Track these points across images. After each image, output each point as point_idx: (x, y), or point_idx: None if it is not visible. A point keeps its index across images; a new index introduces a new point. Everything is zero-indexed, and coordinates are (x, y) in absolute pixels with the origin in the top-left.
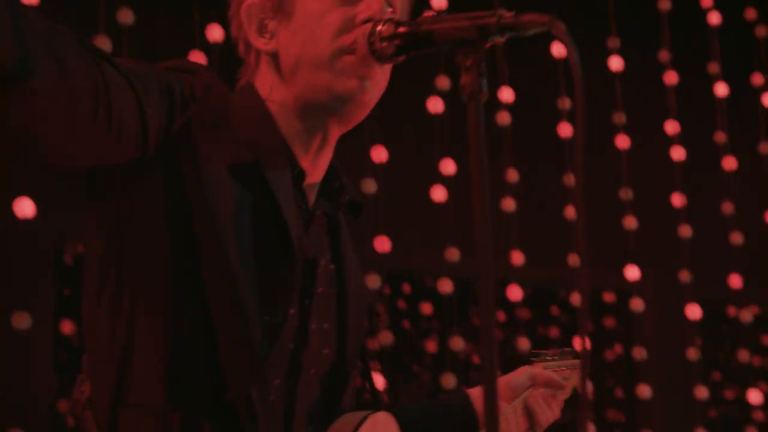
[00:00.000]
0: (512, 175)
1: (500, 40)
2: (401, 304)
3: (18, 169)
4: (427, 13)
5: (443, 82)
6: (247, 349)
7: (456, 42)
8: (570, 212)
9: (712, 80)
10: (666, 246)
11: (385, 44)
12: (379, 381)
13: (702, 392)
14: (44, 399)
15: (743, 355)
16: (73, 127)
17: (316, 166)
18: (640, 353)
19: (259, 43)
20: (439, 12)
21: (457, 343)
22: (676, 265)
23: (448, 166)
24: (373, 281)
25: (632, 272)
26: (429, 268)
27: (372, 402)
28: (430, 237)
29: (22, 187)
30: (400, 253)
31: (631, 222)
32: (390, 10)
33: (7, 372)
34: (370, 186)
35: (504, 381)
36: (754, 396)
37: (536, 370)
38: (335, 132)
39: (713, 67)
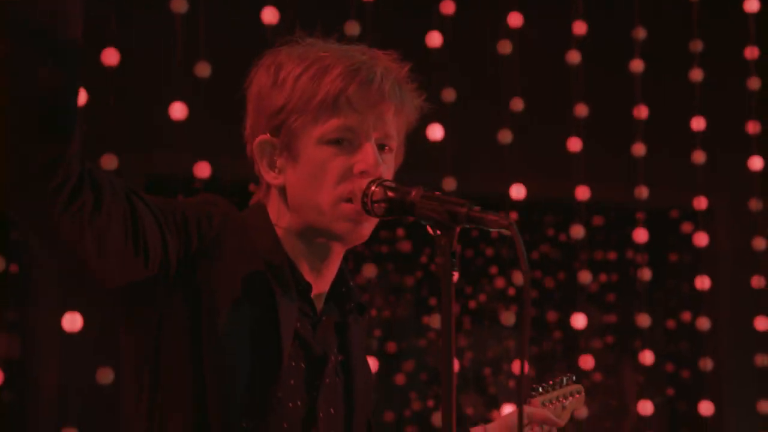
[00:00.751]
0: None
1: (468, 227)
2: None
3: None
4: (416, 190)
5: None
6: None
7: (431, 220)
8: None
9: None
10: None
11: (376, 204)
12: None
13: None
14: None
15: None
16: (107, 250)
17: (321, 279)
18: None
19: (269, 177)
20: (426, 188)
21: None
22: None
23: None
24: None
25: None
26: None
27: None
28: None
29: None
30: None
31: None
32: (382, 167)
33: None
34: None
35: (502, 421)
36: None
37: (532, 409)
38: (338, 251)
39: None
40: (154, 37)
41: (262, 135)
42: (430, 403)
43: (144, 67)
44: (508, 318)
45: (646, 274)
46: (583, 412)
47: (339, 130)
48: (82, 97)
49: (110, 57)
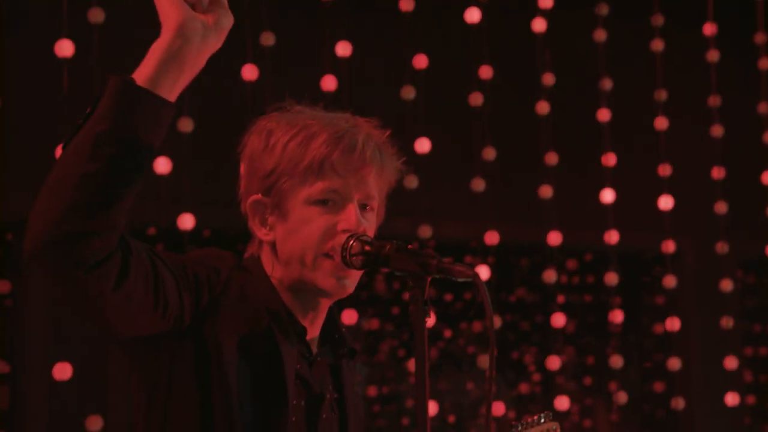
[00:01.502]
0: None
1: (437, 277)
2: None
3: None
4: (390, 244)
5: None
6: None
7: (405, 272)
8: None
9: (756, 54)
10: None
11: (354, 257)
12: None
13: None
14: None
15: None
16: (130, 305)
17: (313, 325)
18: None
19: (261, 233)
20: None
21: None
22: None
23: None
24: None
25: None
26: None
27: None
28: None
29: None
30: None
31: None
32: (363, 225)
33: None
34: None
35: None
36: None
37: None
38: (325, 304)
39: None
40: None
41: (254, 195)
42: None
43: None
44: (486, 361)
45: (618, 316)
46: None
47: (324, 192)
48: None
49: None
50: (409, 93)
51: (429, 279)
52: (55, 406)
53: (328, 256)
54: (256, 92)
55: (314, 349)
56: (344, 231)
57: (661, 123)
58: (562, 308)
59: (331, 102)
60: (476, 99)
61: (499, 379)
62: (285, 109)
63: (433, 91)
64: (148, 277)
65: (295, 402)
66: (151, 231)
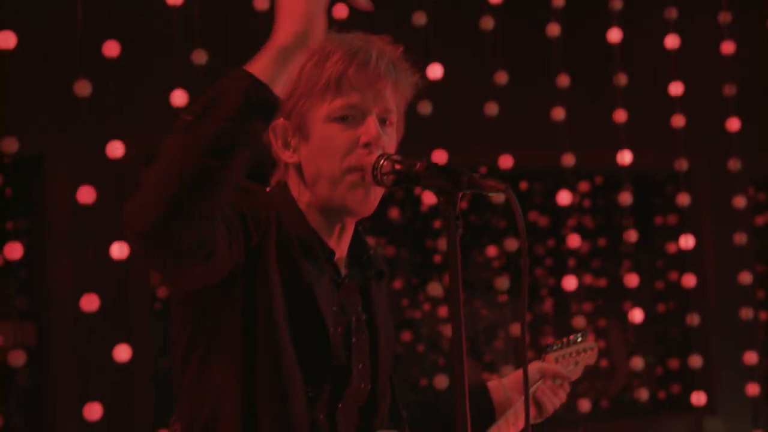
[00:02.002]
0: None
1: (468, 192)
2: None
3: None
4: (420, 162)
5: None
6: (286, 423)
7: (435, 187)
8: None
9: None
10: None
11: (384, 176)
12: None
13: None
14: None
15: None
16: (214, 271)
17: (340, 246)
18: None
19: (285, 156)
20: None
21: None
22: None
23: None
24: None
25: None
26: None
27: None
28: None
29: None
30: None
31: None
32: (383, 138)
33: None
34: None
35: (516, 376)
36: None
37: (544, 364)
38: (350, 222)
39: None
40: (152, 29)
41: (276, 120)
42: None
43: (143, 56)
44: (503, 283)
45: (632, 235)
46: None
47: (342, 108)
48: (87, 88)
49: (111, 48)
50: (420, 19)
51: (460, 194)
52: (81, 340)
53: (352, 170)
54: (269, 22)
55: (342, 270)
56: (365, 145)
57: (672, 41)
58: (574, 230)
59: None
60: (487, 23)
61: (513, 301)
62: None
63: (444, 15)
64: (229, 237)
65: (331, 330)
66: None
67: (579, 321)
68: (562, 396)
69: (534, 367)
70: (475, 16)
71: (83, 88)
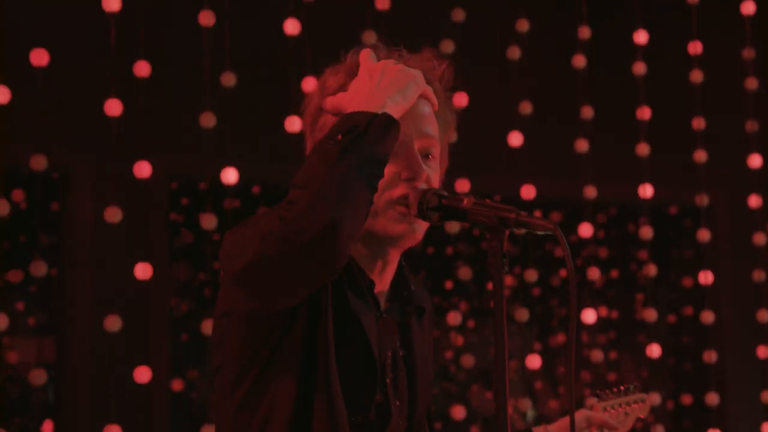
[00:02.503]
0: None
1: (516, 231)
2: None
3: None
4: (467, 198)
5: None
6: None
7: (483, 225)
8: None
9: None
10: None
11: (430, 211)
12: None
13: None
14: None
15: None
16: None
17: (382, 279)
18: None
19: None
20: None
21: None
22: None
23: None
24: None
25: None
26: None
27: None
28: None
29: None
30: None
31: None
32: (426, 171)
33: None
34: None
35: (562, 423)
36: None
37: (592, 413)
38: (394, 255)
39: None
40: (183, 49)
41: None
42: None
43: (173, 77)
44: (522, 314)
45: (651, 269)
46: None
47: None
48: (118, 108)
49: (142, 69)
50: (448, 47)
51: (507, 232)
52: (101, 358)
53: (395, 203)
54: (297, 46)
55: (382, 303)
56: (407, 179)
57: (696, 76)
58: (590, 262)
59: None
60: (513, 52)
61: (522, 330)
62: (338, 62)
63: (470, 44)
64: None
65: (379, 362)
66: (202, 185)
67: (596, 354)
68: None
69: (581, 416)
70: (502, 45)
71: (113, 107)
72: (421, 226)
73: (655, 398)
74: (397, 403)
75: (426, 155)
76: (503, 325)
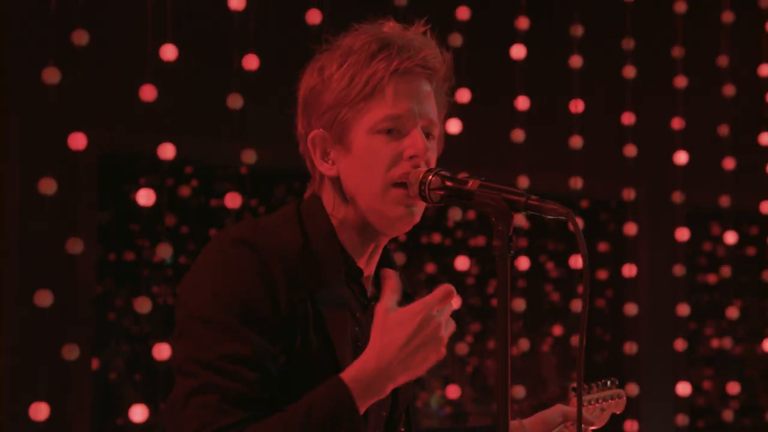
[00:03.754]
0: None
1: (528, 213)
2: None
3: None
4: (472, 180)
5: None
6: None
7: (489, 207)
8: None
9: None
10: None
11: (432, 192)
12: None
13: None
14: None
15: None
16: None
17: (369, 265)
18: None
19: (323, 168)
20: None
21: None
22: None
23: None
24: None
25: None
26: None
27: None
28: None
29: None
30: None
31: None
32: (430, 152)
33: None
34: None
35: (539, 417)
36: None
37: (569, 408)
38: (384, 241)
39: None
40: (124, 19)
41: (315, 131)
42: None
43: (113, 47)
44: (520, 305)
45: (577, 261)
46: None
47: (387, 119)
48: (56, 76)
49: (80, 37)
50: (456, 40)
51: (515, 215)
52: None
53: (396, 185)
54: (242, 21)
55: (369, 289)
56: (411, 158)
57: (629, 72)
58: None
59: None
60: (455, 40)
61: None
62: (332, 43)
63: (473, 41)
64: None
65: (360, 344)
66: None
67: (523, 343)
68: None
69: (558, 411)
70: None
71: (51, 75)
72: (419, 208)
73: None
74: None
75: (427, 135)
76: (507, 314)
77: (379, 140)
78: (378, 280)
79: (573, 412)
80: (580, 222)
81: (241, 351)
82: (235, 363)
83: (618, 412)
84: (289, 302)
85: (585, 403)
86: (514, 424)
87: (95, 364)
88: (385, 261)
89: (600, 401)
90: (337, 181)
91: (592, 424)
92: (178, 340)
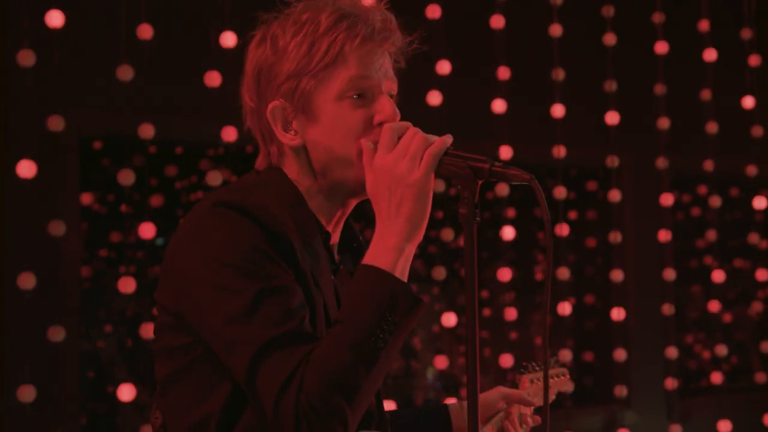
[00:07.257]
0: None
1: (492, 180)
2: None
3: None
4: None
5: None
6: None
7: (455, 175)
8: None
9: None
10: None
11: None
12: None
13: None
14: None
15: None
16: None
17: (336, 230)
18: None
19: (286, 138)
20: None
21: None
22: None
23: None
24: None
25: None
26: None
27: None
28: None
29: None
30: None
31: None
32: (398, 115)
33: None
34: None
35: (480, 399)
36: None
37: (509, 390)
38: (351, 206)
39: None
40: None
41: (273, 102)
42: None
43: (89, 28)
44: (439, 273)
45: (564, 229)
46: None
47: (354, 86)
48: (30, 59)
49: (55, 19)
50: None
51: (480, 183)
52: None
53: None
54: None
55: (335, 255)
56: (381, 123)
57: (609, 39)
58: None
59: None
60: (434, 12)
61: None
62: (281, 12)
63: (452, 12)
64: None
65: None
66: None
67: (510, 312)
68: (529, 422)
69: (498, 392)
70: (485, 15)
71: (26, 58)
72: None
73: (566, 354)
74: None
75: (391, 95)
76: (474, 281)
77: (346, 106)
78: (341, 248)
79: (513, 394)
80: (563, 191)
81: (278, 285)
82: (273, 304)
83: (565, 390)
84: (289, 259)
85: (534, 380)
86: (454, 405)
87: (82, 345)
88: (348, 229)
89: (541, 380)
90: (302, 151)
91: (532, 403)
92: (199, 313)
